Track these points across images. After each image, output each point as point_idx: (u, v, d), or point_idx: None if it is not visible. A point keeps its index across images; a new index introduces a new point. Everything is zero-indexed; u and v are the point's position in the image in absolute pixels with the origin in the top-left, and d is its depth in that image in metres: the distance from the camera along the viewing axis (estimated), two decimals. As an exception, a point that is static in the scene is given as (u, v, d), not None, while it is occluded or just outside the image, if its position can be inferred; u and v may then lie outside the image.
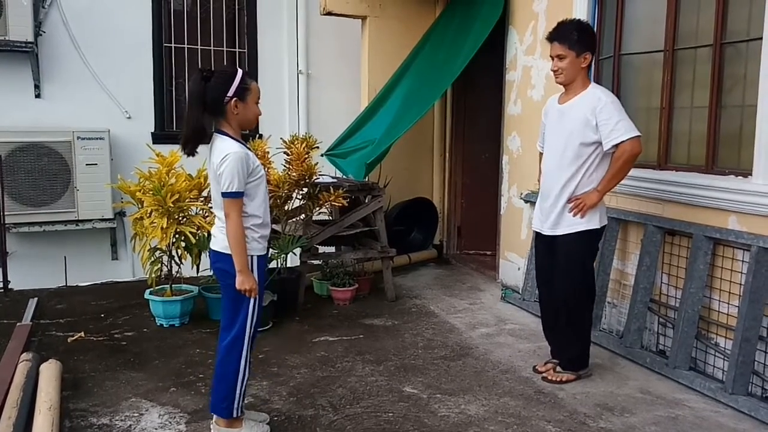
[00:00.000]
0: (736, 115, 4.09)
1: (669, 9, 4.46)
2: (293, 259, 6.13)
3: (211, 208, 5.23)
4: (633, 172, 4.62)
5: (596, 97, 3.87)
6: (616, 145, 3.82)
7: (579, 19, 4.11)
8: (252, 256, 3.18)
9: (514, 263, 5.99)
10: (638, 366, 4.36)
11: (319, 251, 6.14)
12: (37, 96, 7.00)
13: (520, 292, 5.69)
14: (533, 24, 5.73)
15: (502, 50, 6.19)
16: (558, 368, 4.17)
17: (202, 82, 3.07)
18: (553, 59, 3.99)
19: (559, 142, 3.99)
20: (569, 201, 3.94)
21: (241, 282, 3.12)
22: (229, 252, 3.12)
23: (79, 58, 7.12)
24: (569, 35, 3.91)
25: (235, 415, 3.28)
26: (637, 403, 3.84)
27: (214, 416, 3.34)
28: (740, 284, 3.87)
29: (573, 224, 3.95)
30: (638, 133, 3.82)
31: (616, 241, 4.80)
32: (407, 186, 7.27)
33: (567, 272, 4.03)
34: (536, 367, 4.28)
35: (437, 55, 6.53)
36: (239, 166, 3.04)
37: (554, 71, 4.00)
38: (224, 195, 3.07)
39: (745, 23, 4.00)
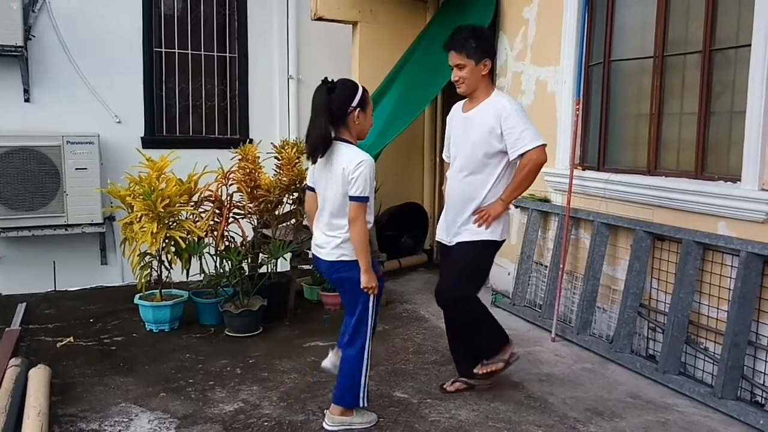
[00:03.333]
0: (725, 121, 4.12)
1: (658, 15, 4.50)
2: (283, 264, 6.11)
3: (201, 212, 5.23)
4: (623, 177, 4.66)
5: (501, 105, 3.69)
6: (522, 155, 3.63)
7: (474, 26, 3.88)
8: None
9: (504, 268, 5.99)
10: (628, 370, 4.38)
11: (310, 256, 6.13)
12: (27, 100, 6.96)
13: (510, 297, 5.70)
14: (523, 30, 5.75)
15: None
16: (483, 360, 3.93)
17: (327, 93, 3.27)
18: (452, 69, 3.81)
19: (465, 151, 3.80)
20: (474, 213, 3.76)
21: (367, 280, 3.32)
22: (346, 259, 3.35)
23: (68, 63, 7.10)
24: (466, 43, 3.71)
25: (361, 404, 3.49)
26: (627, 407, 3.85)
27: (332, 407, 3.54)
28: (729, 289, 3.89)
29: (474, 234, 3.76)
30: (543, 142, 3.63)
31: (605, 247, 4.82)
32: (397, 191, 7.28)
33: (458, 274, 3.83)
34: (444, 386, 4.07)
35: (428, 61, 6.54)
36: (371, 174, 3.28)
37: (455, 81, 3.80)
38: (355, 199, 3.26)
39: (734, 30, 4.04)
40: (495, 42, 5.08)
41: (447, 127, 4.07)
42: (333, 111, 3.29)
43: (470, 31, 3.80)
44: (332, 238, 3.39)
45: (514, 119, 3.64)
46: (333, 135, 3.35)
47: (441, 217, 4.05)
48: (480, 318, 3.93)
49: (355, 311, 3.42)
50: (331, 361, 3.59)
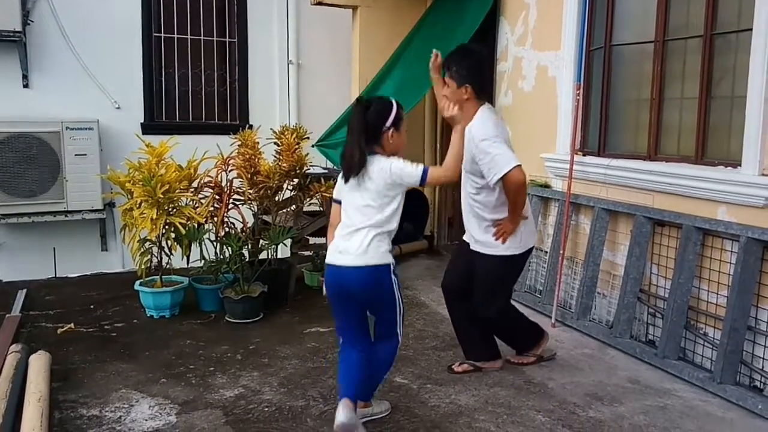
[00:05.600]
0: (726, 105, 4.11)
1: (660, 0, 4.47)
2: (284, 251, 6.12)
3: (201, 198, 5.23)
4: (623, 163, 4.66)
5: (472, 132, 3.68)
6: (501, 179, 3.63)
7: (465, 48, 3.90)
8: (390, 263, 3.32)
9: (505, 254, 5.99)
10: (627, 356, 4.38)
11: (310, 242, 6.13)
12: (26, 86, 6.95)
13: (511, 282, 5.70)
14: (524, 14, 5.72)
15: (494, 41, 6.18)
16: (522, 353, 4.25)
17: (363, 111, 3.23)
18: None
19: (466, 167, 3.83)
20: (494, 225, 3.83)
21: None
22: (383, 263, 3.27)
23: (67, 48, 7.07)
24: (449, 65, 3.80)
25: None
26: (626, 392, 3.86)
27: (348, 402, 3.32)
28: (729, 275, 3.89)
29: (491, 248, 3.86)
30: (516, 163, 3.58)
31: (605, 232, 4.81)
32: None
33: (484, 291, 3.95)
34: (451, 366, 4.15)
35: (429, 45, 6.43)
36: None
37: (439, 100, 3.83)
38: (421, 179, 3.25)
39: (736, 14, 4.01)
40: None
41: None
42: (368, 129, 3.24)
43: (459, 53, 3.86)
44: (375, 242, 3.27)
45: (482, 148, 3.65)
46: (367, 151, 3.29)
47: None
48: (513, 324, 4.19)
49: (394, 322, 3.40)
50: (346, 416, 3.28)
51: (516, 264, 4.00)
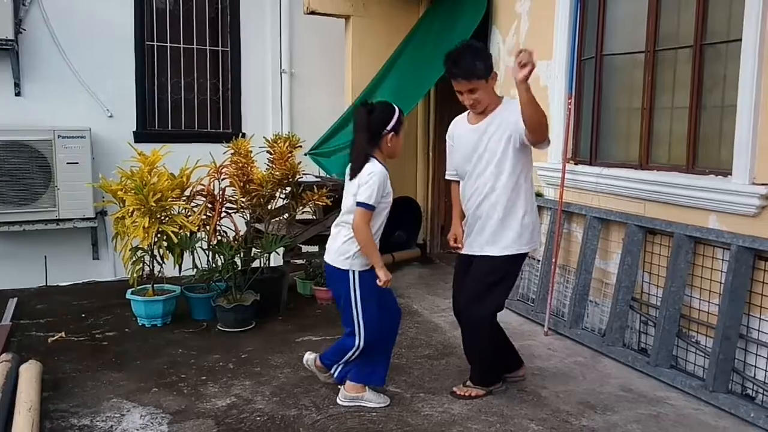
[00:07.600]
0: (716, 115, 4.13)
1: (650, 10, 4.50)
2: (276, 259, 6.11)
3: (194, 207, 5.22)
4: (615, 171, 4.68)
5: (511, 111, 3.56)
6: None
7: (471, 44, 3.71)
8: (355, 271, 3.55)
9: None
10: (620, 364, 4.39)
11: (303, 251, 6.12)
12: (18, 94, 6.93)
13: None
14: (516, 24, 5.75)
15: (486, 50, 6.20)
16: (468, 382, 3.93)
17: (366, 115, 3.51)
18: (462, 94, 3.65)
19: (488, 161, 3.67)
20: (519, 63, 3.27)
21: (384, 275, 3.52)
22: (336, 266, 3.57)
23: (60, 57, 7.06)
24: (475, 68, 3.54)
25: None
26: (619, 401, 3.86)
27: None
28: (720, 283, 3.90)
29: (504, 247, 3.68)
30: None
31: (597, 241, 4.82)
32: (391, 185, 7.26)
33: (479, 288, 3.74)
34: (455, 391, 3.95)
35: (421, 54, 6.53)
36: (380, 184, 3.46)
37: (470, 105, 3.67)
38: (360, 205, 3.44)
39: (725, 25, 4.04)
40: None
41: (449, 144, 3.95)
42: (370, 130, 3.51)
43: (472, 52, 3.62)
44: (334, 241, 3.62)
45: None
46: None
47: (464, 233, 3.91)
48: (491, 344, 3.89)
49: (351, 318, 3.63)
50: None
51: (519, 264, 3.83)
